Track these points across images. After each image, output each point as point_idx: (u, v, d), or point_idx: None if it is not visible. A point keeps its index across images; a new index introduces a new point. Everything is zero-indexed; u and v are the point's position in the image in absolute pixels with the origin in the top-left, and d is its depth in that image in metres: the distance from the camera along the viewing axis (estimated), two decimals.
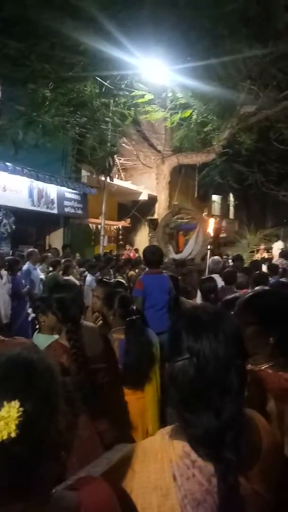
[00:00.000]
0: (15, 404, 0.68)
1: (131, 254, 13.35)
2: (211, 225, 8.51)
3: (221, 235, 16.79)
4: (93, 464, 1.29)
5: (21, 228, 11.57)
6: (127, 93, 6.72)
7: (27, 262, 7.43)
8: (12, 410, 0.67)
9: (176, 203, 9.64)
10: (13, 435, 0.66)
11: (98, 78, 5.99)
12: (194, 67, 6.26)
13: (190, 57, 6.09)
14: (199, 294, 5.69)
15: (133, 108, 7.71)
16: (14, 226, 11.05)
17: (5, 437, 0.66)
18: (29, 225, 12.23)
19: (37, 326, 3.16)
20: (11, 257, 7.78)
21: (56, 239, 12.89)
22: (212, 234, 8.52)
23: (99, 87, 6.46)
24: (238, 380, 0.88)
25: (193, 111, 8.27)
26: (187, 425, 0.90)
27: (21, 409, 0.68)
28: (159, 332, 3.15)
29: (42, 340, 2.59)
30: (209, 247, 8.18)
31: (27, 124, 5.90)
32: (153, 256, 4.28)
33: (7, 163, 9.56)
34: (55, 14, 4.70)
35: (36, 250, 8.33)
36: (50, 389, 0.76)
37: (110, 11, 4.68)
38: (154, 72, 6.69)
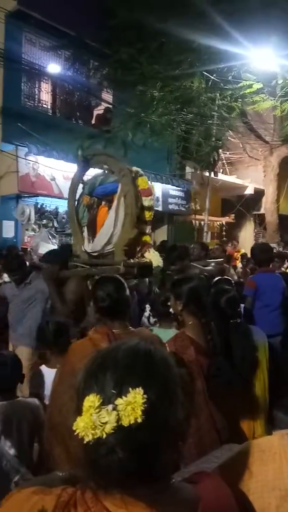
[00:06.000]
0: (140, 390, 0.71)
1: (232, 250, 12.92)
2: None
3: None
4: (202, 460, 1.30)
5: None
6: (234, 85, 6.53)
7: None
8: (138, 396, 0.70)
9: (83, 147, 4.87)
10: (139, 420, 0.69)
11: (205, 73, 5.93)
12: None
13: None
14: None
15: (240, 100, 7.46)
16: None
17: (132, 422, 0.68)
18: None
19: (152, 320, 3.24)
20: None
21: (160, 236, 13.17)
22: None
23: (206, 81, 6.39)
24: None
25: None
26: None
27: (145, 396, 0.70)
28: (271, 335, 2.97)
29: (163, 333, 2.64)
30: None
31: (136, 125, 6.14)
32: (263, 254, 4.14)
33: None
34: (163, 14, 4.79)
35: None
36: (169, 378, 0.78)
37: (218, 3, 4.61)
38: (263, 59, 6.38)
